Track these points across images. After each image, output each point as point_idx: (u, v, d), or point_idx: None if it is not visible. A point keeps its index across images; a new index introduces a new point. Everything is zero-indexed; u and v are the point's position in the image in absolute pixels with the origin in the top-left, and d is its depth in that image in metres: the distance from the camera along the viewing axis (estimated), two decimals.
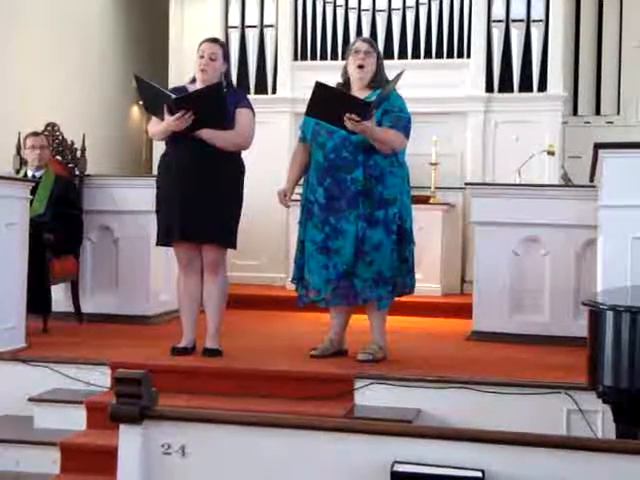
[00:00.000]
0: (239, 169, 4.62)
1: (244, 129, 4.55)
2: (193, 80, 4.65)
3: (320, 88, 4.25)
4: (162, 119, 4.46)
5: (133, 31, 9.73)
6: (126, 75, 9.33)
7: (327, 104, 4.27)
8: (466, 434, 2.33)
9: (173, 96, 4.41)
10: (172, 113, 4.38)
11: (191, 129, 4.41)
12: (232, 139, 4.50)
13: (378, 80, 4.51)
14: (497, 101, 7.52)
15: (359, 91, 4.48)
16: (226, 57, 4.63)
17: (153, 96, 4.50)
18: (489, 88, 7.55)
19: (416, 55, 7.66)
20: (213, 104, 4.39)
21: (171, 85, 7.88)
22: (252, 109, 4.62)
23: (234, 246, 4.62)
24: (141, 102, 4.94)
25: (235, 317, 5.43)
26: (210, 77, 4.52)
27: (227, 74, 4.67)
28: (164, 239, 4.62)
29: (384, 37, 7.69)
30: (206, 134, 4.44)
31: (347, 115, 4.21)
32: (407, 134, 4.47)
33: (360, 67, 4.48)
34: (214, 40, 4.67)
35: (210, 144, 4.44)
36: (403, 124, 4.45)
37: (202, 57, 4.53)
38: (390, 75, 4.55)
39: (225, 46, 4.70)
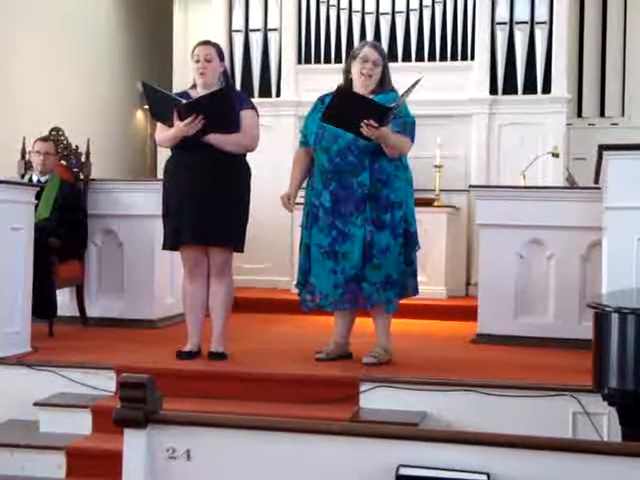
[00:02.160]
0: (246, 172, 4.63)
1: (250, 130, 4.55)
2: (193, 86, 4.66)
3: (342, 93, 4.23)
4: (170, 125, 4.46)
5: (137, 35, 9.75)
6: (130, 79, 9.37)
7: (346, 110, 4.24)
8: (471, 437, 2.33)
9: (183, 101, 4.41)
10: (181, 119, 4.38)
11: (200, 134, 4.41)
12: (240, 141, 4.51)
13: (382, 87, 4.48)
14: (501, 103, 7.51)
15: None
16: (221, 57, 4.63)
17: (161, 102, 4.50)
18: (493, 90, 7.54)
19: (420, 58, 7.65)
20: (223, 108, 4.40)
21: (175, 89, 7.91)
22: (256, 110, 4.63)
23: (242, 249, 4.62)
24: (147, 107, 4.94)
25: (240, 320, 5.43)
26: (210, 79, 4.54)
27: (225, 73, 4.68)
28: (172, 242, 4.61)
29: (388, 40, 7.68)
30: (214, 139, 4.44)
31: (365, 121, 4.19)
32: (413, 138, 4.48)
33: (366, 76, 4.45)
34: (206, 42, 4.67)
35: (219, 148, 4.44)
36: (409, 128, 4.45)
37: (198, 61, 4.54)
38: (392, 77, 4.56)
39: (218, 46, 4.68)
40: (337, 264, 4.41)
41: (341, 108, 4.24)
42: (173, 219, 4.57)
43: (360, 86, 4.46)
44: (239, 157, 4.57)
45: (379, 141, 4.29)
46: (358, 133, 4.25)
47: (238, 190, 4.56)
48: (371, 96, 4.44)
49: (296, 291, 4.73)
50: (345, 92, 4.27)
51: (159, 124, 4.60)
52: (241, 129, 4.51)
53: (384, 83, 4.50)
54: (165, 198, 4.65)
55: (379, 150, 4.36)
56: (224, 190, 4.48)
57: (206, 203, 4.46)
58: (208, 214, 4.46)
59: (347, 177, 4.40)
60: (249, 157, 4.66)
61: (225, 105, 4.40)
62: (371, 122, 4.18)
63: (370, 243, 4.37)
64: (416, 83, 4.29)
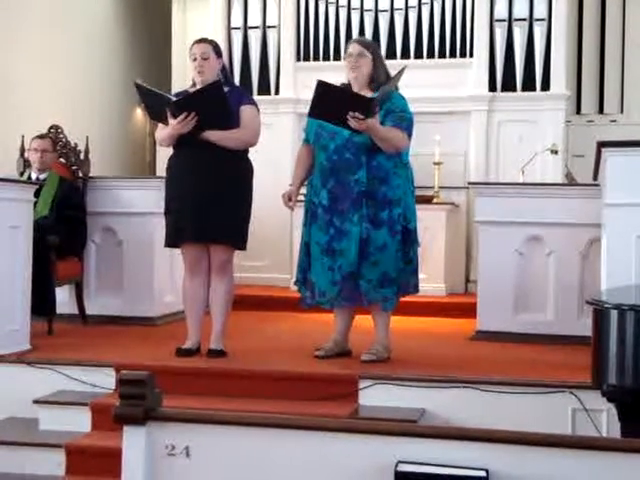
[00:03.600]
0: (248, 170, 4.63)
1: (251, 125, 4.54)
2: (193, 84, 4.65)
3: (322, 87, 4.23)
4: (167, 124, 4.46)
5: (136, 33, 9.74)
6: (129, 77, 9.32)
7: (330, 103, 4.24)
8: (470, 434, 2.32)
9: (173, 99, 4.41)
10: (175, 117, 4.38)
11: (197, 131, 4.41)
12: (240, 137, 4.50)
13: (378, 79, 4.47)
14: (500, 100, 7.51)
15: (359, 92, 4.46)
16: (218, 54, 4.62)
17: (155, 102, 4.50)
18: (492, 87, 7.54)
19: (419, 55, 7.66)
20: (214, 103, 4.39)
21: (174, 86, 7.92)
22: (256, 105, 4.63)
23: (244, 247, 4.62)
24: (143, 105, 4.94)
25: (239, 318, 5.43)
26: (208, 77, 4.53)
27: (224, 70, 4.68)
28: (174, 240, 4.61)
29: (387, 37, 7.69)
30: (214, 136, 4.44)
31: (350, 114, 4.19)
32: (410, 134, 4.47)
33: (353, 70, 4.46)
34: (202, 40, 4.66)
35: (220, 145, 4.44)
36: (406, 124, 4.43)
37: (195, 60, 4.54)
38: (393, 73, 4.55)
39: (215, 43, 4.67)
40: (334, 262, 4.41)
41: (323, 102, 4.23)
42: (175, 217, 4.57)
43: (352, 83, 4.47)
44: (241, 155, 4.57)
45: (368, 133, 4.28)
46: (346, 126, 4.25)
47: (240, 188, 4.55)
48: (369, 92, 4.43)
49: (295, 289, 4.73)
50: (323, 85, 4.26)
51: (159, 124, 4.60)
52: (241, 124, 4.50)
53: (377, 78, 4.48)
54: (167, 196, 4.65)
55: (376, 147, 4.36)
56: (226, 188, 4.47)
57: (208, 201, 4.45)
58: (210, 212, 4.46)
59: (344, 174, 4.40)
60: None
61: (217, 100, 4.38)
62: (356, 114, 4.18)
63: (366, 240, 4.36)
64: (400, 72, 4.30)
